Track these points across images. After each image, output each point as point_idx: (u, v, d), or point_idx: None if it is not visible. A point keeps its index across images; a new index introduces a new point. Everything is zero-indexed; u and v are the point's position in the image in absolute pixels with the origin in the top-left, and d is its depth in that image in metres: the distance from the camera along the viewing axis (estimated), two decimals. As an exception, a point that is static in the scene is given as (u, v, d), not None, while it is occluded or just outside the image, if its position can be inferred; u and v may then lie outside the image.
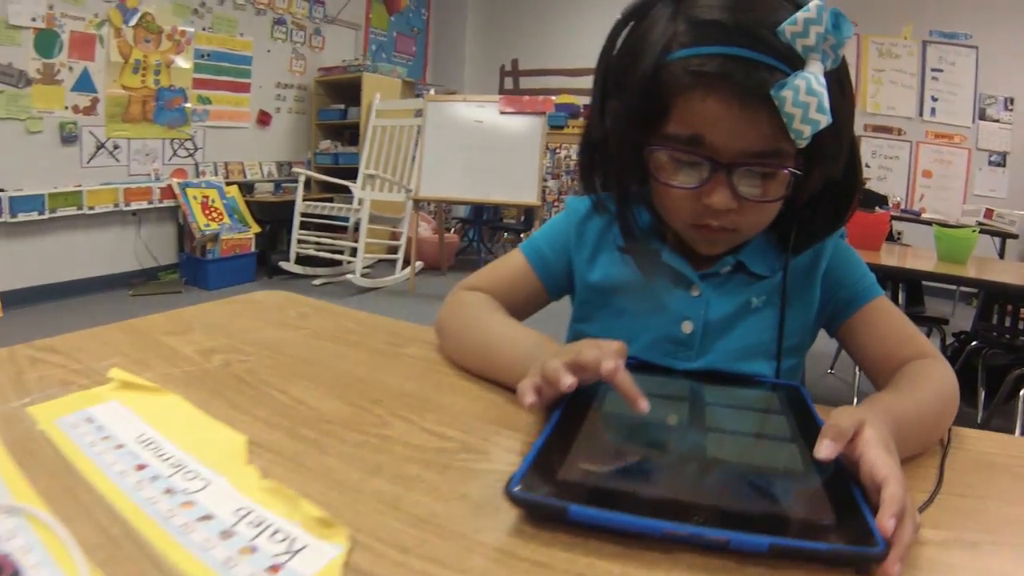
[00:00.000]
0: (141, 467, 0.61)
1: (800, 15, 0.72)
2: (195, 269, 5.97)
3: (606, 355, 0.67)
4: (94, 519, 0.53)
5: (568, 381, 0.67)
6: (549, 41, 8.75)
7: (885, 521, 0.50)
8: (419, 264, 5.91)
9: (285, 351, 0.97)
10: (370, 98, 6.75)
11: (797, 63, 0.73)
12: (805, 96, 0.71)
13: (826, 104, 0.72)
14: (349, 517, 0.54)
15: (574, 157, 7.55)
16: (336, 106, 7.45)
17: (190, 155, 6.37)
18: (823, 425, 0.60)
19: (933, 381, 0.82)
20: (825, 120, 0.72)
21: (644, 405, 0.63)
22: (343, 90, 7.41)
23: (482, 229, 7.17)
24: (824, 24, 0.72)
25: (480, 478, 0.63)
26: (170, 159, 6.18)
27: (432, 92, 6.15)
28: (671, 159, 0.83)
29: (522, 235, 7.36)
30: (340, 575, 0.47)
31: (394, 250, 6.22)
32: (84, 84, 5.39)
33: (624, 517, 0.51)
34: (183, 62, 6.14)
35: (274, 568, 0.48)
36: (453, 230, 7.17)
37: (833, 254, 0.97)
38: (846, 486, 0.57)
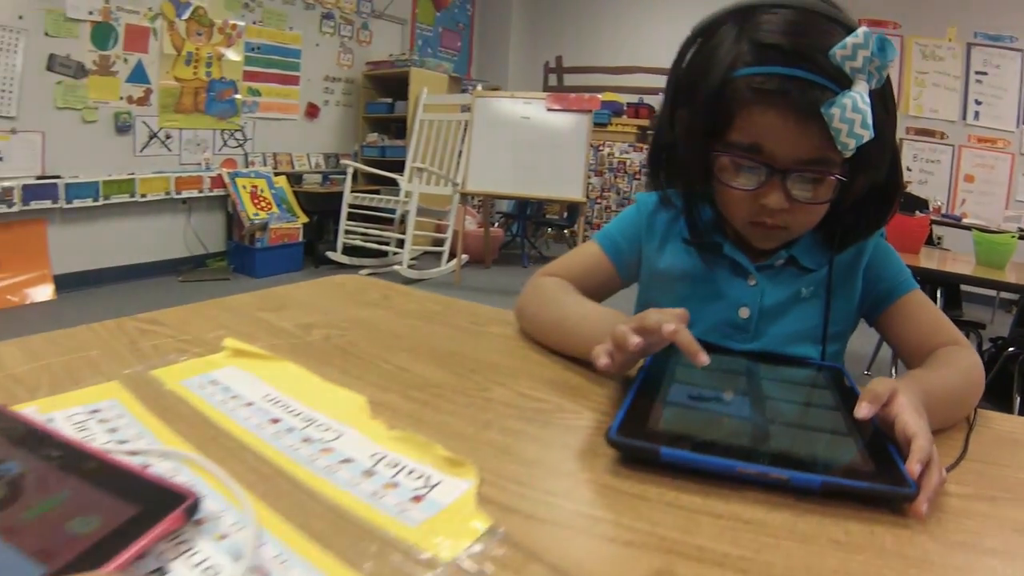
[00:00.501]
0: (275, 421, 0.69)
1: (849, 40, 0.81)
2: (243, 257, 6.11)
3: (668, 318, 0.75)
4: (243, 461, 0.60)
5: (634, 340, 0.75)
6: (592, 39, 8.80)
7: (913, 465, 0.59)
8: (464, 257, 5.99)
9: (378, 327, 1.05)
10: (417, 92, 6.84)
11: (845, 83, 0.82)
12: (851, 113, 0.80)
13: (869, 121, 0.81)
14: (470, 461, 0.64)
15: (617, 155, 7.62)
16: (383, 100, 7.56)
17: (240, 145, 6.52)
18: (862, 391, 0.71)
19: (960, 364, 0.90)
20: (868, 135, 0.81)
21: (704, 358, 0.71)
22: (390, 84, 7.51)
23: (526, 224, 7.24)
24: (870, 48, 0.81)
25: (577, 432, 0.71)
26: (220, 149, 6.34)
27: (479, 88, 6.23)
28: (733, 163, 0.92)
29: (565, 231, 7.44)
30: (474, 502, 0.55)
31: (439, 242, 6.30)
32: (138, 75, 5.55)
33: (705, 457, 0.61)
34: (234, 55, 6.30)
35: (416, 498, 0.55)
36: (496, 224, 7.24)
37: (873, 251, 1.05)
38: (882, 442, 0.66)
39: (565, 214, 7.39)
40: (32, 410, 0.67)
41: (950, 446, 0.74)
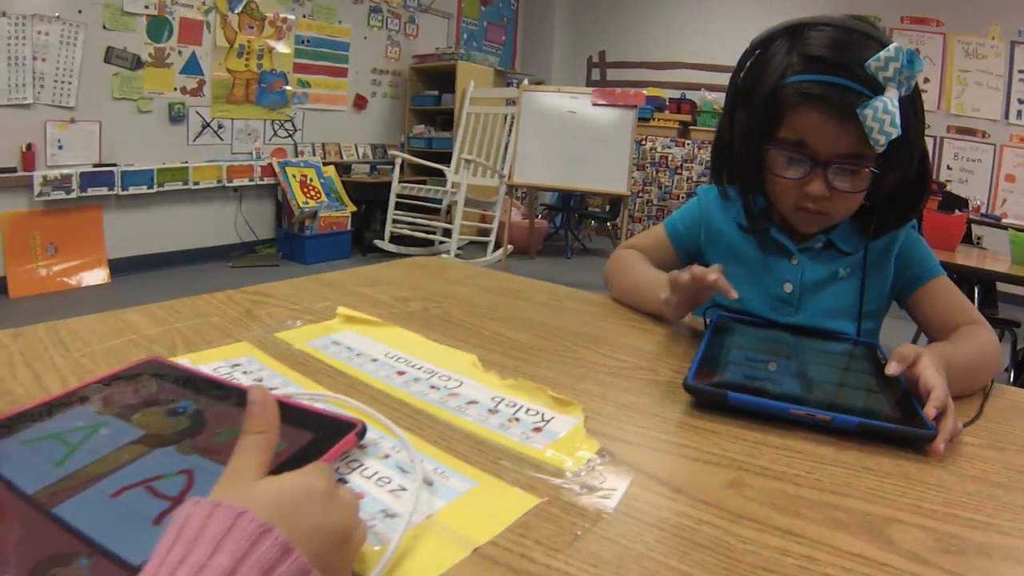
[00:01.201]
0: (401, 373, 0.83)
1: (883, 54, 0.96)
2: (292, 244, 6.29)
3: (710, 269, 0.96)
4: (383, 403, 0.74)
5: (685, 277, 0.98)
6: (635, 34, 8.86)
7: (929, 409, 0.73)
8: (509, 247, 6.13)
9: (468, 301, 1.19)
10: (464, 86, 7.00)
11: (879, 89, 0.97)
12: (882, 114, 0.95)
13: (897, 121, 0.95)
14: (572, 405, 0.78)
15: (659, 149, 7.70)
16: (430, 92, 7.72)
17: (289, 135, 6.70)
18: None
19: (978, 339, 1.04)
20: (896, 133, 0.95)
21: (734, 294, 0.94)
22: (436, 77, 7.67)
23: (569, 216, 7.36)
24: (900, 61, 0.96)
25: (655, 385, 0.86)
26: (270, 139, 6.52)
27: (525, 82, 6.35)
28: (782, 157, 1.08)
29: (608, 224, 7.54)
30: (584, 432, 0.70)
31: (484, 232, 6.44)
32: (192, 67, 5.76)
33: (764, 400, 0.76)
34: (284, 47, 6.48)
35: (536, 429, 0.69)
36: (540, 216, 7.36)
37: (904, 240, 1.20)
38: (908, 397, 0.80)
39: (607, 207, 7.50)
40: (185, 362, 0.81)
41: (968, 410, 0.87)
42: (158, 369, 0.77)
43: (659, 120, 7.91)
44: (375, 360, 0.88)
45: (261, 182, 6.34)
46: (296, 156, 6.71)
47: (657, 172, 7.79)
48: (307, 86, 6.79)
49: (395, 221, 6.40)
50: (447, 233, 6.29)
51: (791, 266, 1.19)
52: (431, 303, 1.17)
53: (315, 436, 0.61)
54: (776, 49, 1.08)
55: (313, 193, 6.32)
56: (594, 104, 5.57)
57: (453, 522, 0.53)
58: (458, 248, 6.10)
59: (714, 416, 0.77)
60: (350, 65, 7.22)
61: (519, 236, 6.78)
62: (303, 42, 6.67)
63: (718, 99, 7.58)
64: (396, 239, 6.43)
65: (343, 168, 6.97)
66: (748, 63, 1.13)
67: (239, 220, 6.35)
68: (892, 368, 0.82)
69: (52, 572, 0.48)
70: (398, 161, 6.39)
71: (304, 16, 6.64)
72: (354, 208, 6.56)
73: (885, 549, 0.53)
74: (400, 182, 6.38)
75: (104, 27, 5.09)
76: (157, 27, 5.44)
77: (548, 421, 0.72)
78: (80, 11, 4.92)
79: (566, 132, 5.62)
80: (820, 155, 1.04)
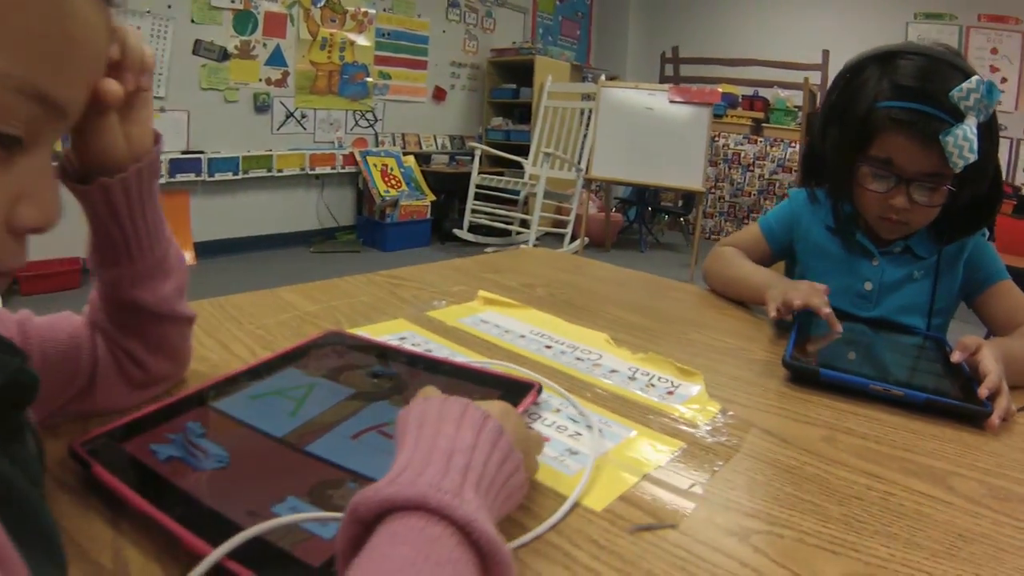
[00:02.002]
0: (548, 347, 1.01)
1: (964, 85, 1.09)
2: (373, 231, 6.54)
3: (817, 294, 1.14)
4: (540, 370, 0.92)
5: (797, 304, 1.12)
6: (709, 30, 8.90)
7: (983, 390, 0.90)
8: (585, 239, 6.28)
9: (584, 288, 1.37)
10: (542, 80, 7.15)
11: (960, 117, 1.11)
12: (962, 141, 1.09)
13: (975, 147, 1.08)
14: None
15: (732, 146, 7.79)
16: (508, 85, 7.90)
17: (370, 126, 6.95)
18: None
19: None
20: (973, 157, 1.09)
21: (839, 328, 1.11)
22: (514, 70, 7.86)
23: (643, 210, 7.47)
24: (980, 92, 1.09)
25: (755, 362, 1.04)
26: (352, 129, 6.78)
27: (602, 78, 6.48)
28: (870, 172, 1.23)
29: (681, 219, 7.65)
30: (707, 395, 0.88)
31: (559, 224, 6.59)
32: (276, 59, 6.03)
33: (849, 376, 0.93)
34: (365, 40, 6.72)
35: (670, 392, 0.88)
36: (614, 209, 7.48)
37: (974, 246, 1.33)
38: (970, 381, 0.94)
39: (680, 202, 7.60)
40: (378, 337, 0.98)
41: (1021, 399, 1.00)
42: (341, 339, 0.95)
43: (732, 117, 7.96)
44: (523, 336, 1.06)
45: (342, 170, 6.59)
46: (377, 146, 6.95)
47: (729, 169, 7.87)
48: (387, 78, 7.02)
49: (474, 211, 6.58)
50: (524, 224, 6.46)
51: (872, 267, 1.35)
52: (554, 289, 1.35)
53: (503, 393, 0.78)
54: (869, 75, 1.23)
55: (394, 182, 6.54)
56: (671, 101, 5.69)
57: (622, 457, 0.71)
58: (536, 239, 6.27)
59: (807, 388, 0.94)
60: (429, 58, 7.42)
61: (595, 229, 6.91)
62: (383, 35, 6.90)
63: (791, 97, 7.62)
64: (474, 228, 6.61)
65: (422, 158, 7.18)
66: (842, 84, 1.29)
67: (320, 207, 6.60)
68: (956, 356, 0.98)
69: (328, 493, 0.61)
70: (477, 153, 6.56)
71: (384, 10, 6.87)
72: (433, 197, 6.76)
73: (946, 492, 0.70)
74: (479, 173, 6.55)
75: (192, 21, 5.38)
76: (243, 21, 5.72)
77: (677, 387, 0.91)
78: (169, 6, 5.22)
79: (643, 128, 5.76)
80: (905, 173, 1.19)
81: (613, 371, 0.94)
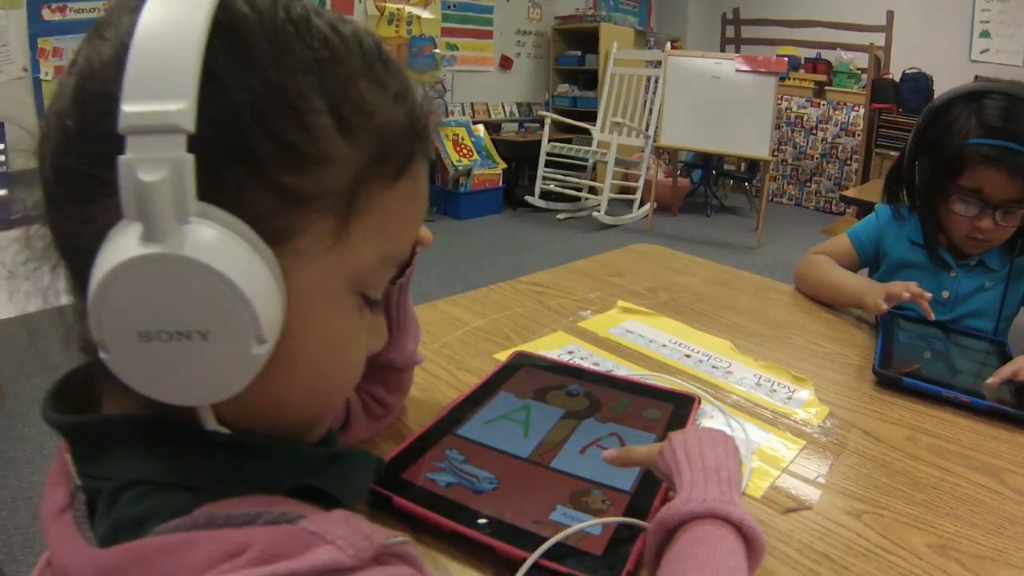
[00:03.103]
0: (687, 356, 1.27)
1: None
2: (447, 200, 6.79)
3: (914, 287, 1.37)
4: (685, 379, 1.18)
5: (906, 295, 1.36)
6: (772, -11, 8.95)
7: (994, 377, 1.17)
8: (653, 204, 6.49)
9: (698, 291, 1.62)
10: (607, 46, 7.32)
11: None
12: None
13: None
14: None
15: (795, 109, 7.88)
16: (573, 52, 8.09)
17: (440, 97, 7.17)
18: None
19: None
20: None
21: (932, 316, 1.37)
22: (579, 37, 8.03)
23: (709, 175, 7.61)
24: None
25: (850, 367, 1.28)
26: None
27: (668, 46, 6.60)
28: (960, 199, 1.46)
29: (746, 183, 7.79)
30: (816, 400, 1.13)
31: (625, 190, 6.82)
32: (346, 35, 6.25)
33: (926, 384, 1.16)
34: (430, 14, 6.94)
35: (789, 397, 1.13)
36: (679, 173, 7.62)
37: None
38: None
39: (743, 165, 7.75)
40: (549, 353, 1.24)
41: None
42: (530, 360, 1.14)
43: (794, 79, 8.01)
44: (664, 346, 1.31)
45: (414, 141, 6.80)
46: (447, 116, 7.15)
47: (792, 132, 7.97)
48: (455, 49, 7.22)
49: (544, 178, 6.78)
50: (592, 190, 6.68)
51: (950, 277, 1.57)
52: (675, 294, 1.60)
53: (675, 406, 1.02)
54: (957, 113, 1.45)
55: (465, 151, 6.79)
56: (737, 70, 5.84)
57: (764, 455, 0.98)
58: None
59: (891, 392, 1.20)
60: (494, 27, 7.62)
61: (661, 194, 7.04)
62: (449, 7, 7.10)
63: (854, 59, 7.67)
64: (544, 195, 6.84)
65: (492, 127, 7.41)
66: (931, 119, 1.52)
67: (394, 176, 6.82)
68: (992, 380, 1.19)
69: (583, 500, 0.77)
70: (547, 120, 6.76)
71: (449, -18, 7.01)
72: (504, 165, 6.98)
73: (999, 485, 0.95)
74: (548, 141, 6.74)
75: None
76: None
77: (793, 391, 1.17)
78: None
79: (710, 96, 5.93)
80: (991, 200, 1.41)
81: (743, 378, 1.20)
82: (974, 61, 7.07)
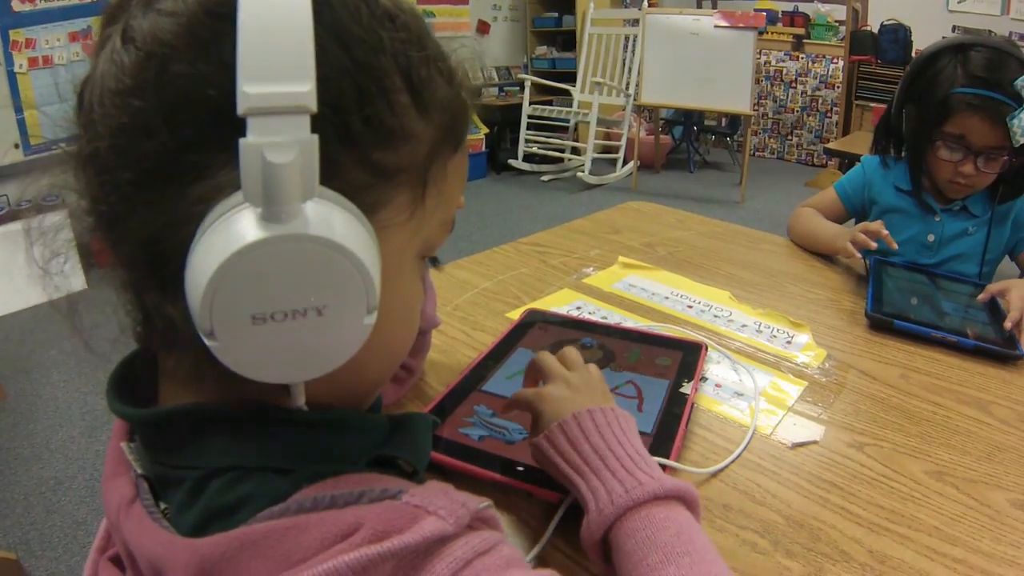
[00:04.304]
0: (689, 307, 1.32)
1: None
2: (431, 165, 6.73)
3: (873, 226, 1.46)
4: (689, 328, 1.23)
5: (862, 237, 1.46)
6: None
7: (1007, 322, 1.23)
8: (637, 162, 6.51)
9: (693, 245, 1.68)
10: (584, 6, 7.26)
11: (1022, 101, 1.40)
12: (1023, 123, 1.39)
13: None
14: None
15: (774, 63, 7.88)
16: (550, 14, 8.03)
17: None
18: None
19: None
20: None
21: (895, 246, 1.44)
22: (555, -3, 7.99)
23: (690, 131, 7.62)
24: None
25: (843, 312, 1.34)
26: (401, 67, 6.93)
27: (645, 4, 6.56)
28: (945, 145, 1.53)
29: (727, 139, 7.80)
30: (814, 343, 1.19)
31: (608, 149, 6.83)
32: None
33: (915, 326, 1.23)
34: (404, -20, 6.83)
35: (788, 342, 1.19)
36: (660, 131, 7.63)
37: (1021, 208, 1.63)
38: (1010, 331, 1.22)
39: (723, 121, 7.75)
40: (559, 309, 1.30)
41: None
42: (542, 316, 1.20)
43: (772, 33, 7.93)
44: (667, 298, 1.37)
45: (397, 107, 6.76)
46: (425, 83, 7.09)
47: (772, 86, 7.98)
48: (431, 16, 7.07)
49: (526, 140, 6.81)
50: (575, 151, 6.71)
51: (934, 221, 1.65)
52: (671, 248, 1.66)
53: (685, 353, 1.08)
54: (944, 63, 1.52)
55: (446, 117, 6.71)
56: (715, 26, 5.85)
57: (770, 396, 1.04)
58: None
59: (884, 335, 1.26)
60: (469, -8, 7.49)
61: (644, 151, 7.03)
62: (424, -28, 6.99)
63: (832, 11, 7.67)
64: (527, 157, 6.86)
65: (473, 91, 7.33)
66: (919, 70, 1.59)
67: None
68: (982, 295, 1.33)
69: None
70: (528, 83, 6.76)
71: (423, -54, 6.92)
72: (486, 130, 6.97)
73: (987, 416, 1.02)
74: (529, 103, 6.75)
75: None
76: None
77: (792, 337, 1.23)
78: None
79: (689, 53, 5.94)
80: (974, 146, 1.49)
81: (744, 326, 1.26)
82: (952, 11, 7.08)
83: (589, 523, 0.62)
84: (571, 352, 0.80)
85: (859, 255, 1.49)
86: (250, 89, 0.36)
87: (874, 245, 1.44)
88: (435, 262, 0.58)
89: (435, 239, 0.54)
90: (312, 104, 0.37)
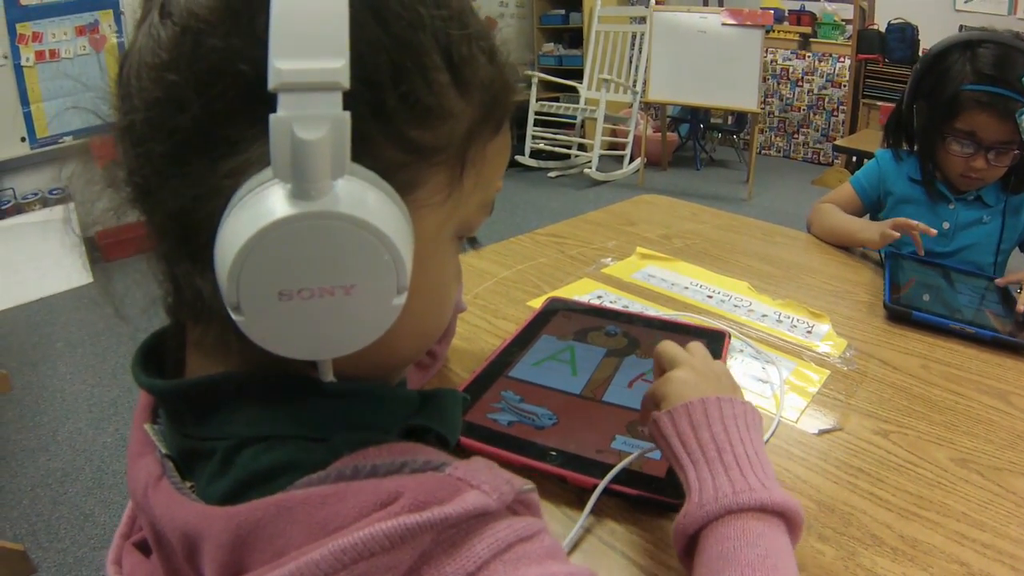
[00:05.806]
0: (709, 297, 1.32)
1: None
2: (437, 162, 6.72)
3: (903, 221, 1.49)
4: (711, 317, 1.24)
5: (895, 234, 1.48)
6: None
7: (1020, 306, 1.27)
8: (644, 160, 6.49)
9: (709, 237, 1.68)
10: (591, 4, 7.20)
11: None
12: None
13: None
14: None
15: (780, 61, 7.87)
16: (556, 11, 8.00)
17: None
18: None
19: None
20: None
21: (934, 232, 1.48)
22: (562, -6, 7.95)
23: (697, 129, 7.59)
24: None
25: (861, 303, 1.35)
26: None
27: (652, 1, 6.54)
28: (956, 141, 1.55)
29: (734, 136, 7.80)
30: (835, 334, 1.20)
31: (615, 146, 6.80)
32: None
33: (933, 317, 1.24)
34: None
35: (809, 332, 1.20)
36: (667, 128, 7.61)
37: None
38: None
39: (730, 119, 7.73)
40: (582, 299, 1.30)
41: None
42: (565, 304, 1.20)
43: (779, 32, 7.91)
44: (687, 288, 1.37)
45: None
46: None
47: (778, 84, 7.95)
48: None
49: (533, 137, 6.79)
50: (581, 148, 6.70)
51: (949, 210, 1.66)
52: (688, 240, 1.66)
53: (707, 341, 1.02)
54: (953, 60, 1.54)
55: (453, 114, 6.70)
56: (723, 24, 5.84)
57: (793, 384, 1.05)
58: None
59: (902, 325, 1.27)
60: (476, -12, 7.51)
61: (650, 148, 7.00)
62: (430, -32, 6.98)
63: (838, 10, 7.66)
64: (534, 154, 6.83)
65: (480, 88, 7.31)
66: (928, 67, 1.60)
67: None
68: (1000, 281, 1.37)
69: (640, 428, 0.81)
70: (534, 80, 6.74)
71: (426, -58, 6.94)
72: (493, 126, 6.92)
73: (1008, 406, 1.03)
74: (536, 100, 6.74)
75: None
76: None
77: (812, 327, 1.24)
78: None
79: (697, 50, 5.92)
80: (984, 142, 1.51)
81: (764, 315, 1.27)
82: (959, 11, 7.07)
83: (687, 513, 0.60)
84: (697, 346, 0.78)
85: (897, 235, 1.50)
86: (281, 64, 0.36)
87: (916, 223, 1.48)
88: (473, 242, 0.57)
89: (473, 221, 0.53)
90: (345, 80, 0.37)
